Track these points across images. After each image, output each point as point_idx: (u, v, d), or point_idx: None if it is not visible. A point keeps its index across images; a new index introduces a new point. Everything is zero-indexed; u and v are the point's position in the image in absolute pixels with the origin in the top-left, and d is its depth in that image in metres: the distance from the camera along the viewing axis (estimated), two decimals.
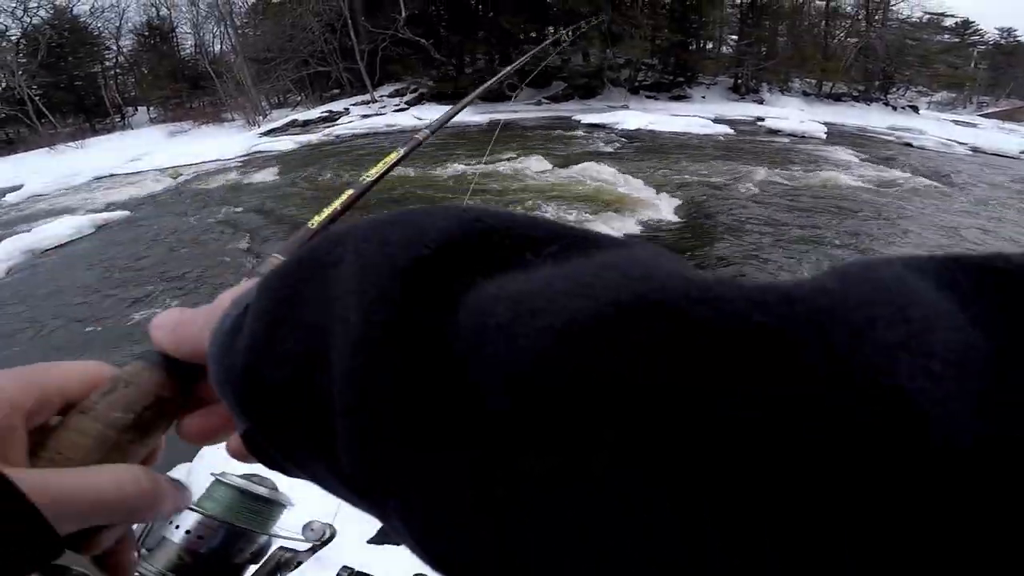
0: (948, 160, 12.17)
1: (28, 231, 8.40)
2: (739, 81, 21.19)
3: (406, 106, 18.61)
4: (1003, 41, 29.47)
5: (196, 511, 0.46)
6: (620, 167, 9.57)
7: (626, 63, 20.70)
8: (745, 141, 12.89)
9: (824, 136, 13.95)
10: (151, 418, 0.24)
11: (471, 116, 17.04)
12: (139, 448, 0.24)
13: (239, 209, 8.44)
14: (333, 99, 20.87)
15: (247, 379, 0.17)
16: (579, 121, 15.26)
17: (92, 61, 25.49)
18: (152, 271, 6.35)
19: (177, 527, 0.45)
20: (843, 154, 11.58)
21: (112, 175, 13.34)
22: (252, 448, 0.20)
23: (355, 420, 0.14)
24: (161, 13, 25.97)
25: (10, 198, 11.98)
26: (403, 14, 19.00)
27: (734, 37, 22.38)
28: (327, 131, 15.55)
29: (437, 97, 19.04)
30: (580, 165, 9.69)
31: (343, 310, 0.15)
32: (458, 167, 10.12)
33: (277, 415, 0.17)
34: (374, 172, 0.35)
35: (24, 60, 22.27)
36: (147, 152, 15.65)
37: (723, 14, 21.59)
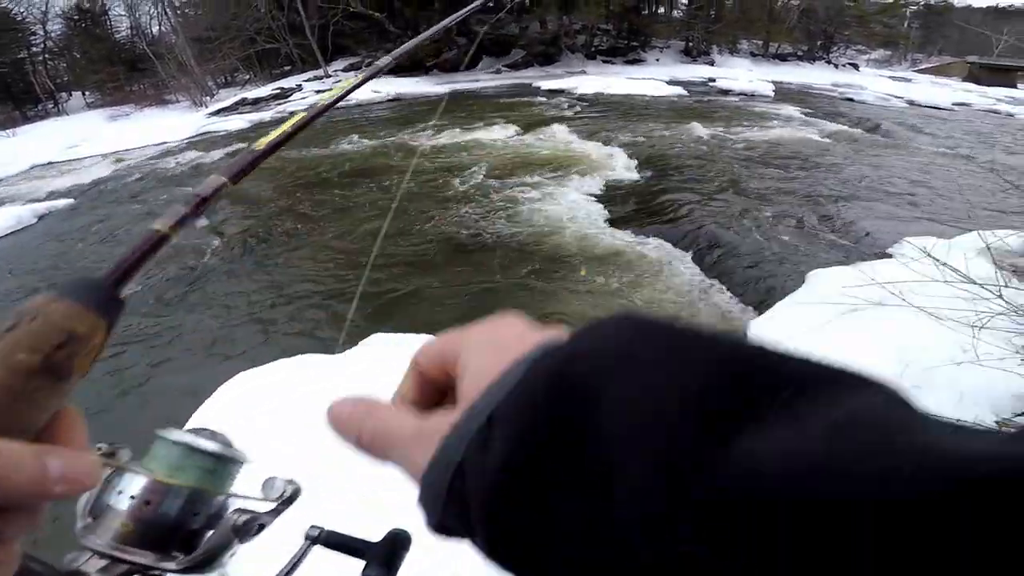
0: (887, 112, 12.87)
1: None
2: (690, 44, 21.56)
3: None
4: (933, 2, 30.82)
5: (141, 473, 0.40)
6: (580, 130, 9.76)
7: (582, 29, 20.73)
8: (698, 101, 13.25)
9: (772, 94, 14.48)
10: (64, 359, 0.20)
11: (430, 87, 16.86)
12: (50, 399, 0.20)
13: (191, 193, 8.24)
14: (284, 76, 20.15)
15: (499, 495, 0.18)
16: (539, 88, 15.31)
17: (17, 47, 23.76)
18: (100, 261, 6.18)
19: (120, 492, 0.40)
20: (790, 110, 12.10)
21: (50, 163, 12.64)
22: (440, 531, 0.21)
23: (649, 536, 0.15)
24: None
25: None
26: None
27: (684, 1, 22.68)
28: (280, 108, 15.09)
29: (394, 70, 18.61)
30: (543, 129, 9.83)
31: (623, 456, 0.16)
32: (416, 137, 10.09)
33: (526, 526, 0.17)
34: (328, 96, 0.41)
35: None
36: (86, 138, 14.83)
37: None
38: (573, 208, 6.09)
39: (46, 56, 25.22)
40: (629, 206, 6.20)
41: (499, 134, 9.88)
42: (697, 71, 18.23)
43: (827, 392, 0.16)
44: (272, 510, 0.46)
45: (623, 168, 7.53)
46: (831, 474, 0.13)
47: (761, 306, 3.78)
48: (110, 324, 0.21)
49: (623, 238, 5.26)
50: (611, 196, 6.54)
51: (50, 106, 23.55)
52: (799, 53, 22.48)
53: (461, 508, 0.19)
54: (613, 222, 5.68)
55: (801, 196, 6.33)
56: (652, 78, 15.87)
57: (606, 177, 7.15)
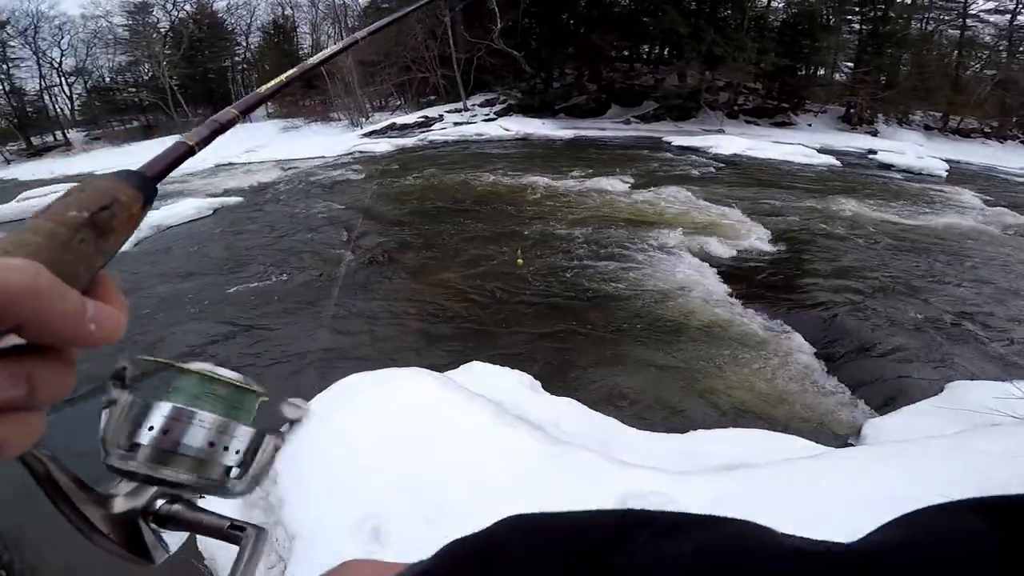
0: None
1: (156, 209, 9.47)
2: (852, 111, 19.73)
3: (495, 116, 19.06)
4: None
5: (164, 400, 0.39)
6: (710, 193, 9.22)
7: (726, 85, 19.95)
8: (853, 175, 11.96)
9: (944, 174, 12.65)
10: (107, 219, 0.23)
11: (556, 130, 17.21)
12: (94, 255, 0.23)
13: (338, 204, 9.02)
14: (430, 104, 21.80)
15: None
16: (669, 143, 14.89)
17: (224, 56, 28.44)
18: (257, 252, 6.93)
19: (151, 428, 0.38)
20: (966, 195, 10.43)
21: (231, 163, 14.77)
22: None
23: None
24: (286, 12, 28.49)
25: None
26: (498, 25, 19.46)
27: (849, 64, 20.91)
28: (422, 136, 16.28)
29: (524, 109, 19.32)
30: (667, 187, 9.44)
31: None
32: (535, 180, 10.20)
33: None
34: (315, 59, 0.45)
35: (169, 52, 25.26)
36: (262, 144, 17.20)
37: (839, 40, 20.25)
38: (690, 272, 5.68)
39: (244, 66, 29.89)
40: (754, 281, 5.64)
41: (619, 186, 9.67)
42: (855, 141, 16.59)
43: (682, 531, 0.22)
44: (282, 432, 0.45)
45: (754, 238, 6.91)
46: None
47: (883, 408, 3.38)
48: (146, 200, 0.25)
49: (739, 312, 4.77)
50: (736, 267, 6.00)
51: None
52: (987, 130, 19.57)
53: None
54: (732, 294, 5.19)
55: (961, 297, 5.35)
56: (801, 144, 14.70)
57: (733, 245, 6.61)
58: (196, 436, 0.37)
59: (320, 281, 5.75)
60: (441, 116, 18.94)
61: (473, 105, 20.48)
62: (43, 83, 24.83)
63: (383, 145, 15.10)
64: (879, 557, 0.18)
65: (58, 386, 0.21)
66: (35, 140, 23.33)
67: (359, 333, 4.63)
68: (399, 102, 24.23)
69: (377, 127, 18.18)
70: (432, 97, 22.81)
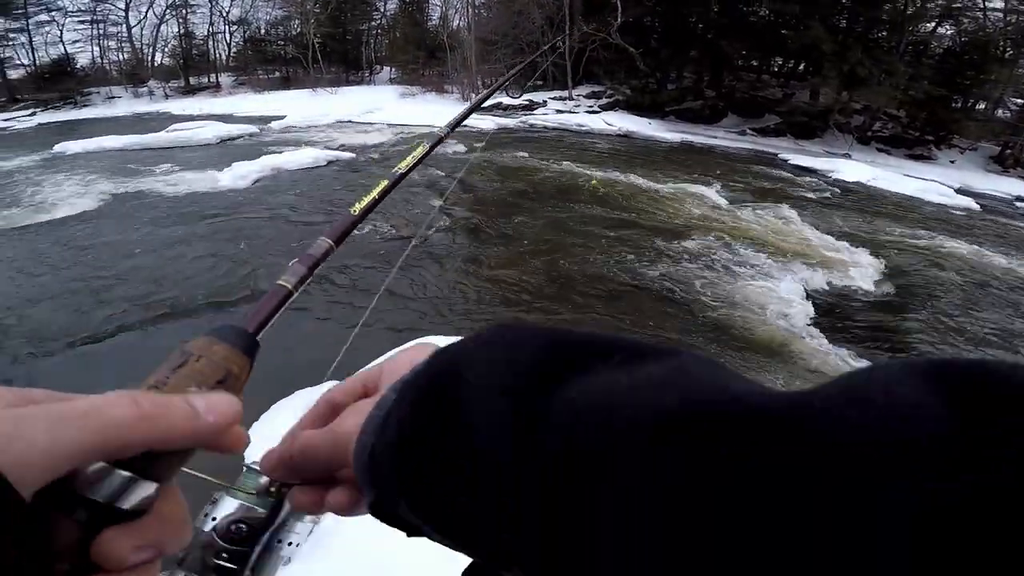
0: None
1: (279, 153, 10.50)
2: (1008, 151, 17.24)
3: (599, 109, 18.79)
4: None
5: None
6: (821, 218, 8.57)
7: (863, 109, 18.18)
8: (992, 222, 10.54)
9: None
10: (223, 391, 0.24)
11: (662, 132, 16.62)
12: None
13: (437, 171, 9.46)
14: (536, 90, 21.94)
15: (400, 457, 0.24)
16: (785, 161, 13.92)
17: (363, 19, 30.23)
18: (346, 208, 7.52)
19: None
20: None
21: (350, 121, 15.89)
22: (378, 515, 0.26)
23: (491, 463, 0.21)
24: None
25: (274, 125, 15.02)
26: (619, 20, 19.05)
27: (1019, 100, 18.22)
28: (523, 119, 16.50)
29: (632, 106, 18.81)
30: (776, 206, 8.89)
31: (475, 412, 0.22)
32: (631, 179, 10.00)
33: (420, 478, 0.24)
34: (404, 165, 0.44)
35: (318, 10, 27.34)
36: (379, 107, 18.27)
37: (1012, 74, 17.65)
38: (783, 298, 5.39)
39: (377, 32, 31.61)
40: (854, 319, 5.25)
41: (721, 198, 9.25)
42: (1004, 185, 14.53)
43: (637, 359, 0.22)
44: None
45: (861, 275, 6.39)
46: (623, 406, 0.20)
47: None
48: (251, 363, 0.26)
49: (822, 345, 4.49)
50: (835, 301, 5.62)
51: (366, 75, 29.57)
52: None
53: (382, 483, 0.25)
54: (826, 329, 4.87)
55: None
56: (937, 181, 13.15)
57: (837, 279, 6.16)
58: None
59: (402, 241, 6.13)
60: (545, 102, 19.02)
61: (578, 96, 20.32)
62: (211, 29, 28.00)
63: (487, 122, 15.51)
64: (815, 416, 0.17)
65: (177, 538, 0.22)
66: (192, 80, 26.42)
67: (432, 298, 4.89)
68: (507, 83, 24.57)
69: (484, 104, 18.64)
70: (539, 83, 22.91)
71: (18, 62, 23.70)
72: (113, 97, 23.99)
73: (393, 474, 0.24)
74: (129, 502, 0.20)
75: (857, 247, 7.31)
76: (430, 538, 0.25)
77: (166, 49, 27.43)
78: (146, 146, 11.24)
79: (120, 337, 4.30)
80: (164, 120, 15.67)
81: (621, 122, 16.37)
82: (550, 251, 6.15)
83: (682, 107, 18.79)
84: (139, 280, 5.27)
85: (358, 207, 0.36)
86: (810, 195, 10.55)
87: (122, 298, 4.90)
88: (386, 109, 17.91)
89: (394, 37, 30.18)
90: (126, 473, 0.20)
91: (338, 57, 28.71)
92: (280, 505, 0.49)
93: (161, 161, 10.06)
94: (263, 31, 29.04)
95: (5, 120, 20.01)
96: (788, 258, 6.58)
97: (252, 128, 13.97)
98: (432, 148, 0.46)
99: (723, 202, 9.08)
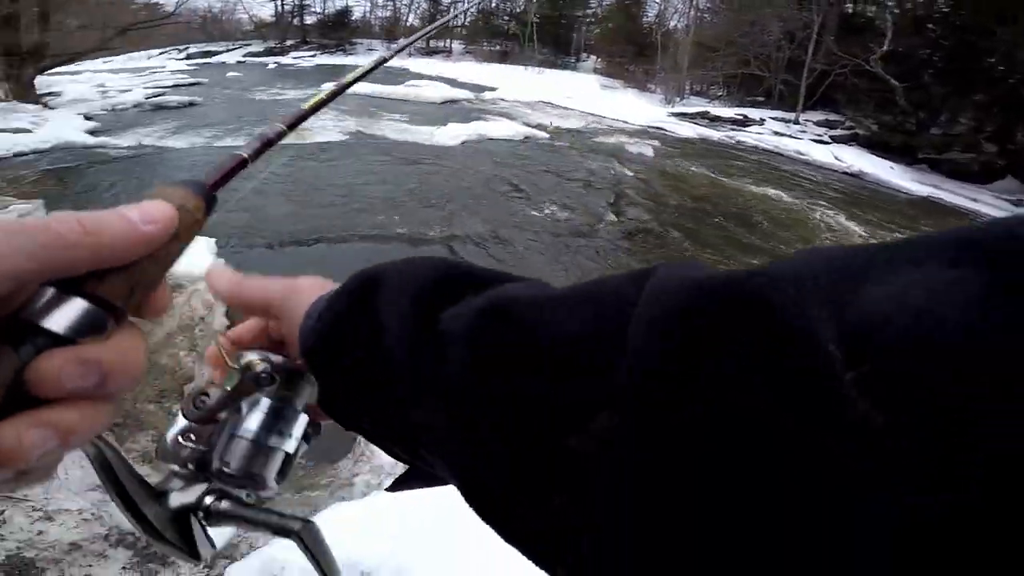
0: None
1: (487, 121, 11.45)
2: None
3: (829, 140, 16.64)
4: None
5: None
6: None
7: None
8: None
9: None
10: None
11: (904, 180, 13.89)
12: (163, 255, 0.25)
13: (625, 169, 9.44)
14: (755, 106, 20.31)
15: (322, 352, 0.31)
16: None
17: (580, 6, 30.98)
18: (535, 186, 7.90)
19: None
20: None
21: (551, 103, 16.56)
22: (324, 407, 0.33)
23: (397, 364, 0.27)
24: None
25: (486, 95, 16.33)
26: (884, 48, 16.49)
27: None
28: (731, 133, 15.43)
29: (874, 144, 16.20)
30: None
31: (387, 315, 0.28)
32: (851, 228, 8.78)
33: (339, 373, 0.30)
34: (350, 78, 0.49)
35: None
36: (580, 94, 18.68)
37: None
38: None
39: (590, 20, 32.07)
40: None
41: None
42: None
43: (495, 285, 0.28)
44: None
45: None
46: (502, 319, 0.24)
47: None
48: (208, 209, 0.28)
49: None
50: None
51: (571, 60, 30.33)
52: None
53: (319, 369, 0.32)
54: None
55: None
56: None
57: None
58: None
59: (572, 231, 6.34)
60: (763, 120, 17.48)
61: (806, 120, 18.26)
62: None
63: (686, 129, 14.89)
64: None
65: (128, 373, 0.22)
66: (431, 43, 29.85)
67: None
68: (721, 93, 23.13)
69: (688, 110, 17.86)
70: (761, 99, 21.12)
71: (314, 9, 29.28)
72: (372, 49, 28.31)
73: (327, 360, 0.31)
74: (75, 330, 0.20)
75: None
76: (367, 437, 0.33)
77: (417, 11, 31.31)
78: (386, 96, 13.23)
79: (315, 247, 5.40)
80: (403, 75, 18.06)
81: (854, 159, 14.25)
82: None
83: (943, 156, 15.58)
84: (351, 202, 6.44)
85: (310, 104, 0.45)
86: None
87: (337, 214, 6.06)
88: (586, 97, 18.22)
89: (605, 28, 30.29)
90: (75, 297, 0.20)
91: (550, 40, 29.81)
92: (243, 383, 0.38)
93: (394, 111, 11.77)
94: (494, 3, 31.38)
95: (295, 57, 25.24)
96: None
97: (469, 95, 15.41)
98: (376, 66, 0.54)
99: None
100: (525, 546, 0.23)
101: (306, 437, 0.35)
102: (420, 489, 0.34)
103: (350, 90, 0.52)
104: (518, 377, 0.22)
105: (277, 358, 0.33)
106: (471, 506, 0.25)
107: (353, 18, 30.47)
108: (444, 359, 0.25)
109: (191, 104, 12.01)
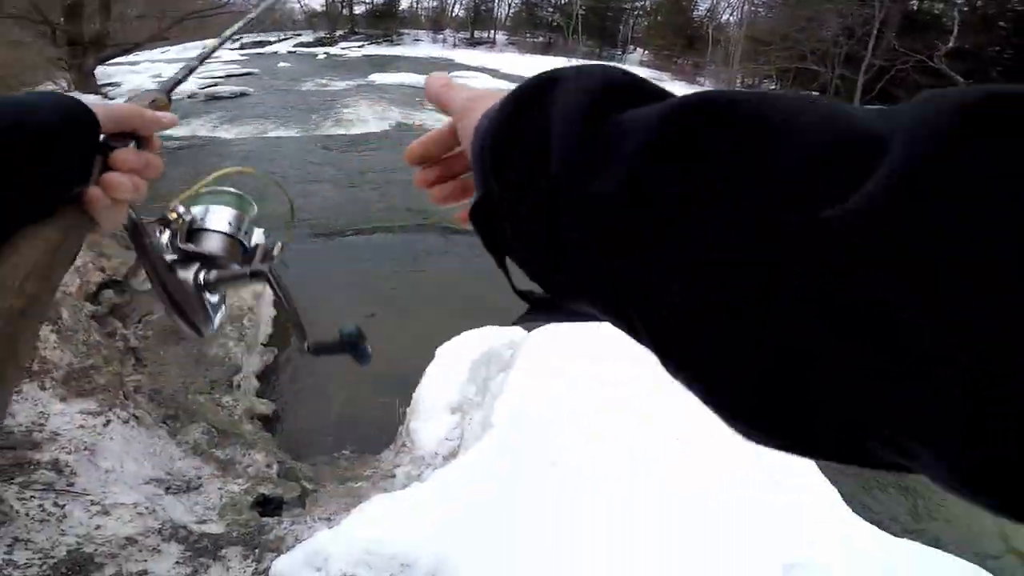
0: None
1: None
2: None
3: None
4: None
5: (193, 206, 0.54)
6: None
7: None
8: None
9: None
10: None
11: None
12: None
13: None
14: None
15: (497, 146, 0.29)
16: None
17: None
18: None
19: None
20: None
21: None
22: (475, 218, 0.31)
23: (569, 159, 0.25)
24: None
25: None
26: (950, 44, 15.51)
27: None
28: None
29: None
30: None
31: (558, 115, 0.26)
32: None
33: (511, 168, 0.28)
34: (207, 48, 0.66)
35: None
36: None
37: None
38: None
39: (638, 12, 31.29)
40: None
41: None
42: None
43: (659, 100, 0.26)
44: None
45: None
46: (658, 128, 0.23)
47: None
48: (169, 102, 0.51)
49: None
50: None
51: (618, 53, 29.69)
52: None
53: (483, 172, 0.30)
54: None
55: None
56: None
57: None
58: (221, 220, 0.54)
59: None
60: None
61: None
62: None
63: None
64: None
65: (154, 166, 0.45)
66: (477, 34, 29.86)
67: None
68: (773, 87, 22.23)
69: None
70: (815, 93, 20.15)
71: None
72: (418, 40, 28.59)
73: (491, 159, 0.29)
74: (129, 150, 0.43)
75: None
76: (510, 255, 0.30)
77: (463, 1, 31.36)
78: None
79: (350, 238, 5.63)
80: (449, 66, 18.17)
81: None
82: None
83: None
84: (390, 194, 6.61)
85: (197, 56, 0.63)
86: None
87: (377, 207, 6.29)
88: None
89: (654, 20, 29.53)
90: (132, 141, 0.44)
91: (596, 31, 29.27)
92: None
93: None
94: None
95: (343, 47, 25.68)
96: None
97: (511, 86, 15.32)
98: (213, 51, 0.65)
99: None
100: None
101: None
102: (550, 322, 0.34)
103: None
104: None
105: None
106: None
107: (401, 8, 30.77)
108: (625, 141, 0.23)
109: (242, 94, 12.45)
